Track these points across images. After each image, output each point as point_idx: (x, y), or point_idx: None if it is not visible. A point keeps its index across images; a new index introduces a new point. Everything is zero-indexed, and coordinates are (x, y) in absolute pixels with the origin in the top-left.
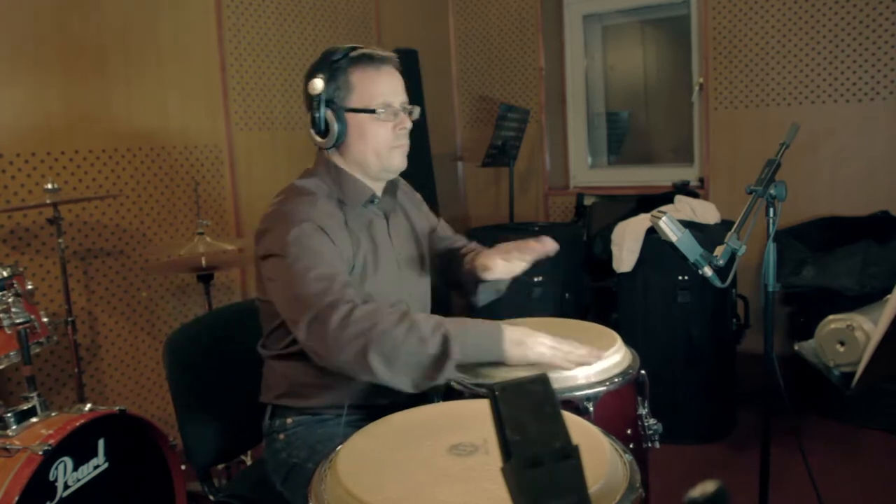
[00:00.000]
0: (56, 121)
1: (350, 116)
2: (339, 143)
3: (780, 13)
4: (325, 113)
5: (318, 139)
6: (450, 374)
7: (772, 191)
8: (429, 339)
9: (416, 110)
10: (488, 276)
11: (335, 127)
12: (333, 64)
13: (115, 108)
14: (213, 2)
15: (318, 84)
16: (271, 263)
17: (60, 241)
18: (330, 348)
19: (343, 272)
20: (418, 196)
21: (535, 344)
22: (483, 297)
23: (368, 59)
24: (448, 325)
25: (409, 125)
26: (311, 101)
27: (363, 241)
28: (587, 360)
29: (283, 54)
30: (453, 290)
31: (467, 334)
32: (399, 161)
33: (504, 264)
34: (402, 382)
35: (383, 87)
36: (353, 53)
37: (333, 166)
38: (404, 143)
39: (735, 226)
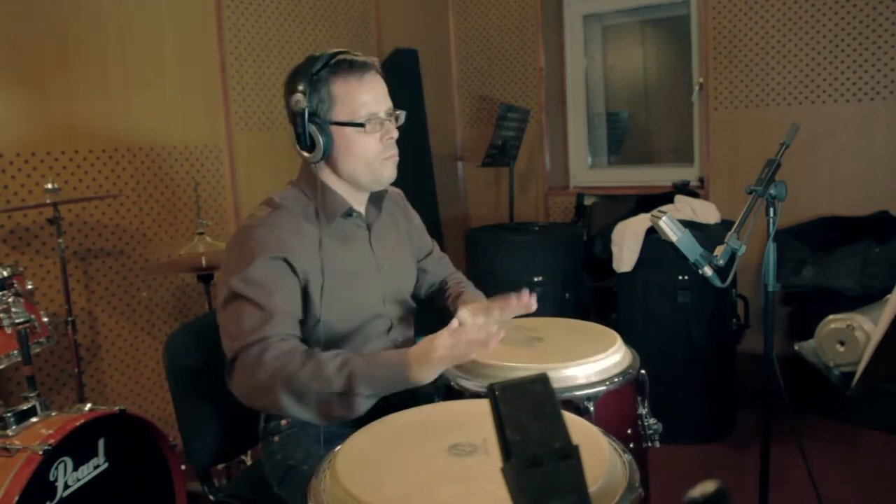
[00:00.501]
0: (56, 121)
1: (335, 130)
2: (327, 157)
3: (780, 13)
4: (310, 128)
5: (305, 154)
6: (360, 409)
7: (772, 191)
8: (333, 378)
9: (402, 115)
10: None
11: (321, 141)
12: (314, 76)
13: (115, 108)
14: (213, 2)
15: (299, 99)
16: (222, 282)
17: (60, 241)
18: (244, 390)
19: (285, 307)
20: (415, 215)
21: (434, 355)
22: None
23: (349, 67)
24: (354, 364)
25: (395, 134)
26: (295, 117)
27: (340, 253)
28: (486, 337)
29: (283, 54)
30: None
31: (373, 367)
32: (390, 172)
33: (471, 317)
34: (316, 419)
35: (367, 97)
36: (333, 61)
37: (316, 179)
38: (394, 153)
39: (735, 226)
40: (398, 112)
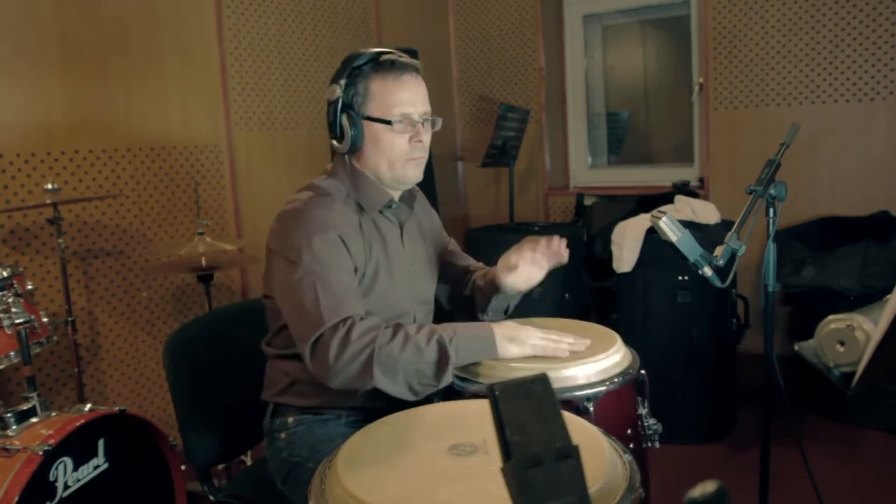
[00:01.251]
0: (56, 121)
1: (366, 124)
2: (355, 150)
3: (780, 13)
4: (342, 118)
5: (335, 143)
6: (449, 378)
7: (772, 191)
8: (425, 348)
9: (438, 122)
10: (509, 279)
11: (350, 132)
12: (355, 69)
13: (115, 108)
14: (213, 2)
15: (335, 89)
16: (283, 266)
17: (60, 241)
18: (332, 370)
19: (352, 286)
20: (434, 213)
21: (527, 337)
22: (493, 311)
23: (390, 66)
24: (441, 332)
25: (426, 138)
26: (329, 105)
27: (375, 247)
28: (576, 347)
29: (283, 54)
30: (457, 308)
31: (460, 337)
32: (413, 173)
33: (526, 267)
34: (404, 392)
35: (402, 96)
36: (378, 59)
37: (352, 169)
38: (420, 155)
39: (735, 226)
40: (435, 118)
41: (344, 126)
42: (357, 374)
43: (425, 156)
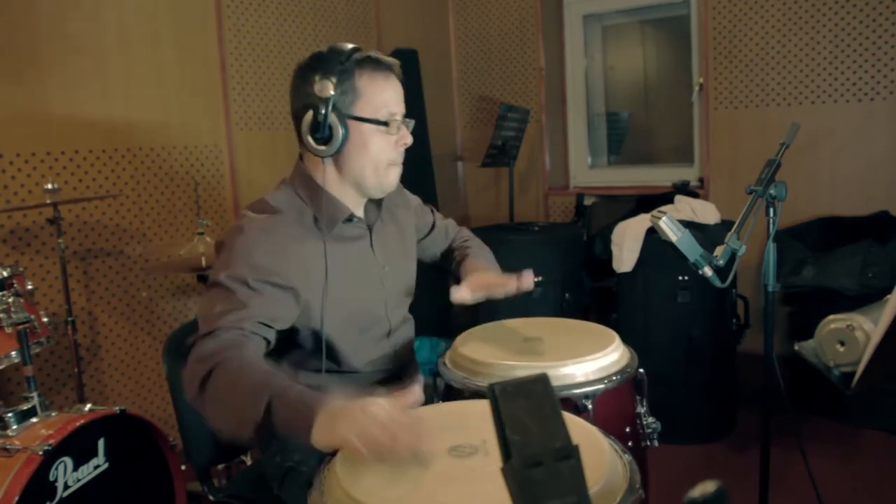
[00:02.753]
0: (56, 121)
1: (353, 124)
2: (338, 153)
3: (780, 13)
4: (331, 117)
5: (319, 146)
6: (247, 434)
7: (772, 191)
8: (253, 392)
9: (411, 124)
10: (456, 294)
11: (340, 134)
12: (339, 66)
13: (115, 107)
14: (213, 2)
15: (328, 85)
16: (210, 279)
17: (60, 241)
18: (186, 370)
19: (256, 305)
20: (413, 198)
21: (338, 420)
22: None
23: (375, 64)
24: (273, 393)
25: (410, 140)
26: (317, 104)
27: (340, 259)
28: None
29: (283, 54)
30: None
31: (284, 407)
32: (393, 179)
33: (471, 295)
34: (218, 426)
35: (390, 95)
36: (358, 56)
37: (314, 184)
38: (401, 160)
39: (735, 226)
40: (409, 120)
41: (333, 126)
42: (193, 382)
43: (401, 161)
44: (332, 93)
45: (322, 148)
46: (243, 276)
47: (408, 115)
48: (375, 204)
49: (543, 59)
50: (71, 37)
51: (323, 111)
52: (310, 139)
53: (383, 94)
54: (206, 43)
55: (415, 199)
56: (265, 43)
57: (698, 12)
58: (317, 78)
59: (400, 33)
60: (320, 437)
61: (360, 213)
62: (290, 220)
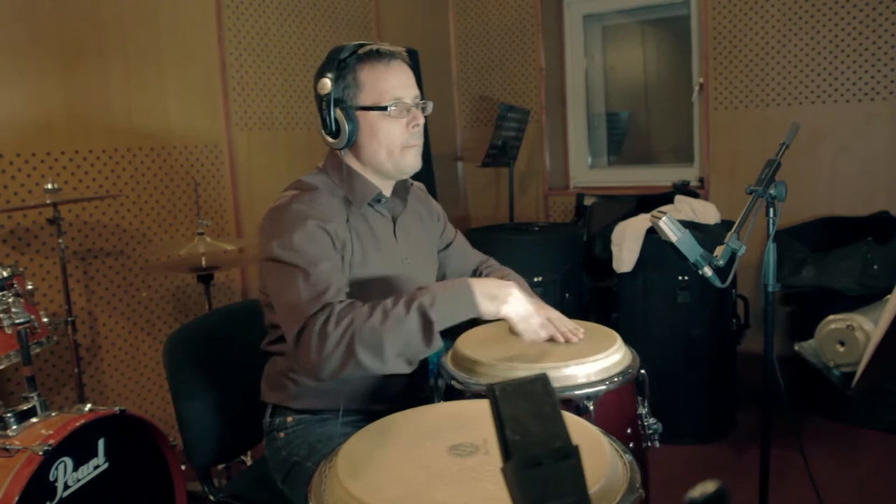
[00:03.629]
0: (56, 121)
1: (361, 115)
2: (352, 143)
3: (780, 13)
4: (335, 112)
5: (330, 140)
6: (438, 342)
7: (772, 191)
8: (405, 317)
9: (430, 105)
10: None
11: (346, 126)
12: (341, 63)
13: (115, 108)
14: (213, 2)
15: (326, 83)
16: (269, 265)
17: (60, 241)
18: (317, 362)
19: (334, 274)
20: (437, 206)
21: (506, 295)
22: None
23: (377, 56)
24: (420, 297)
25: (422, 121)
26: (321, 102)
27: (365, 239)
28: (563, 337)
29: (283, 54)
30: None
31: (440, 300)
32: (413, 160)
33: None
34: (396, 365)
35: (393, 81)
36: (361, 51)
37: (343, 165)
38: (418, 142)
39: (735, 226)
40: (426, 102)
41: (339, 120)
42: (342, 359)
43: (422, 143)
44: (329, 89)
45: (334, 141)
46: (302, 245)
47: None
48: (401, 198)
49: (543, 59)
50: (71, 37)
51: (326, 107)
52: (323, 134)
53: (385, 82)
54: (206, 43)
55: (439, 207)
56: (265, 43)
57: (698, 12)
58: (319, 79)
59: (400, 33)
60: (486, 307)
61: (388, 195)
62: (326, 195)
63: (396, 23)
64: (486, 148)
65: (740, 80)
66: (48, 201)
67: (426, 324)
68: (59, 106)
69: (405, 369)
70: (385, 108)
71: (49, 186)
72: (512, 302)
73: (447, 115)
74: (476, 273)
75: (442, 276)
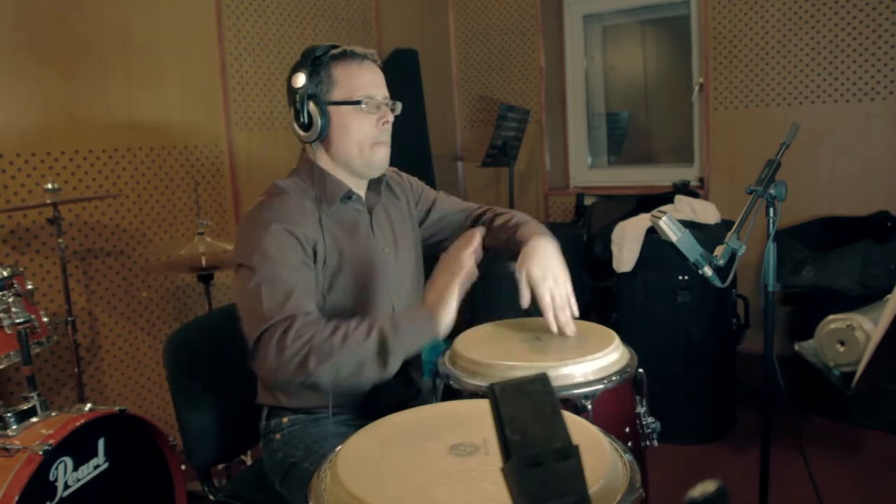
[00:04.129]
0: (56, 121)
1: (333, 110)
2: (323, 138)
3: (780, 13)
4: (309, 106)
5: (301, 133)
6: (394, 366)
7: (772, 191)
8: (364, 341)
9: (399, 106)
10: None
11: (318, 120)
12: (315, 59)
13: (115, 108)
14: (213, 2)
15: (300, 78)
16: (238, 271)
17: (60, 241)
18: (271, 370)
19: (300, 282)
20: (414, 180)
21: (444, 291)
22: None
23: (350, 55)
24: (381, 323)
25: (391, 119)
26: (294, 95)
27: (340, 238)
28: (467, 242)
29: (283, 54)
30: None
31: (400, 325)
32: (382, 157)
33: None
34: (350, 385)
35: (365, 80)
36: (335, 51)
37: (316, 167)
38: (387, 140)
39: (735, 226)
40: (395, 102)
41: (312, 114)
42: (295, 370)
43: (389, 141)
44: (303, 83)
45: (305, 134)
46: (270, 251)
47: (409, 115)
48: (375, 190)
49: (543, 59)
50: (71, 37)
51: (298, 100)
52: (295, 126)
53: (357, 79)
54: (206, 43)
55: (415, 180)
56: (265, 43)
57: (698, 12)
58: (293, 74)
59: (400, 33)
60: (445, 318)
61: (360, 192)
62: (296, 197)
63: (396, 23)
64: (486, 148)
65: (740, 80)
66: (48, 201)
67: (383, 349)
68: (59, 106)
69: (359, 387)
70: (358, 103)
71: (49, 186)
72: (445, 286)
73: (447, 115)
74: (479, 221)
75: (442, 246)
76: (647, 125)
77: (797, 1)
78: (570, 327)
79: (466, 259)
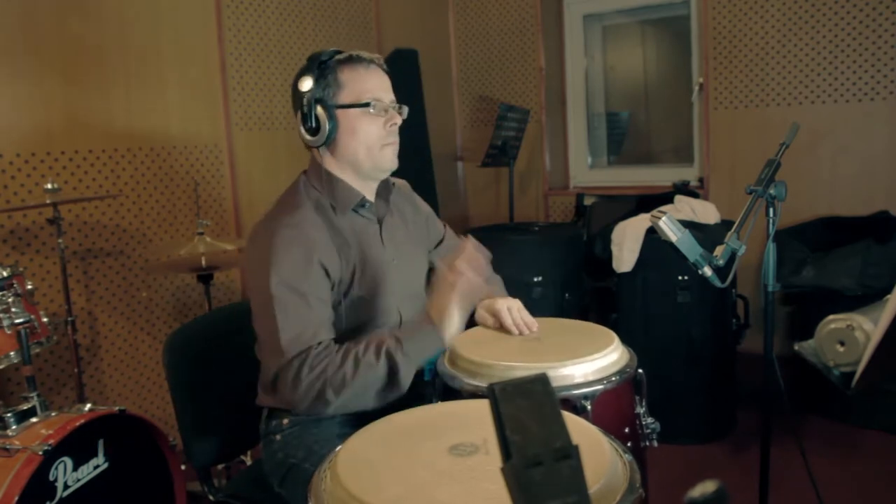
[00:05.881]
0: (56, 121)
1: (341, 113)
2: (330, 142)
3: (780, 13)
4: (316, 110)
5: (309, 137)
6: (406, 382)
7: (772, 191)
8: (376, 364)
9: (405, 109)
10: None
11: (326, 124)
12: (322, 64)
13: (115, 108)
14: (213, 2)
15: (307, 82)
16: (253, 285)
17: (60, 241)
18: (292, 403)
19: (315, 312)
20: (422, 203)
21: (448, 303)
22: None
23: (357, 59)
24: (388, 342)
25: (398, 121)
26: (301, 100)
27: (352, 248)
28: (470, 257)
29: (283, 54)
30: None
31: (406, 342)
32: (390, 159)
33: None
34: (369, 405)
35: (372, 83)
36: (340, 56)
37: (325, 171)
38: (395, 140)
39: (735, 226)
40: (402, 106)
41: (319, 117)
42: (313, 402)
43: (398, 142)
44: (309, 87)
45: (313, 138)
46: (291, 279)
47: (409, 115)
48: (384, 199)
49: (543, 59)
50: (72, 37)
51: (306, 104)
52: (302, 131)
53: (364, 83)
54: (206, 43)
55: (427, 207)
56: (265, 43)
57: (698, 12)
58: (300, 79)
59: (400, 33)
60: (451, 329)
61: (371, 200)
62: (311, 210)
63: (396, 23)
64: (486, 148)
65: (740, 80)
66: (48, 201)
67: (393, 369)
68: (59, 106)
69: (372, 408)
70: (367, 105)
71: (49, 186)
72: (450, 300)
73: (447, 115)
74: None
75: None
76: (647, 125)
77: (797, 1)
78: (532, 326)
79: (463, 268)
